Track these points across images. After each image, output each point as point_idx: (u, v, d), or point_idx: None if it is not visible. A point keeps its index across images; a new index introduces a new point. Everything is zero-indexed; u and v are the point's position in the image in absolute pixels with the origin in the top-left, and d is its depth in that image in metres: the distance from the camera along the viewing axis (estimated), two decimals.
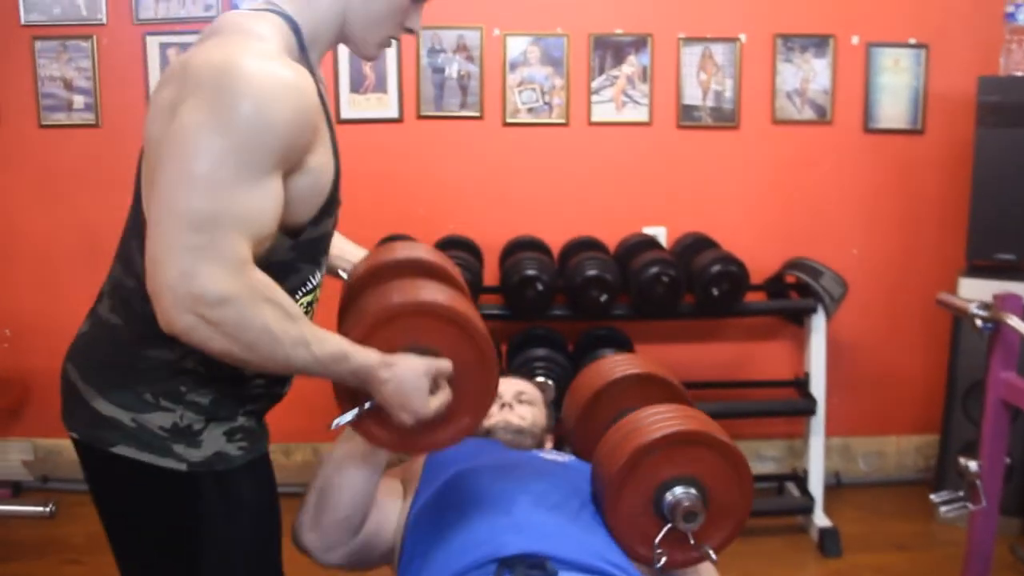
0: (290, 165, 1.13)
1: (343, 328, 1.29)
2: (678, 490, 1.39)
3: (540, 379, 2.71)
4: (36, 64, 3.04)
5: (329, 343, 1.15)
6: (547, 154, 3.14)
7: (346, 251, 1.56)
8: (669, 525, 1.39)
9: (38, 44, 3.03)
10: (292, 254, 1.19)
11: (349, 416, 1.25)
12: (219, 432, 1.22)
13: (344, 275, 1.53)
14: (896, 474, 3.39)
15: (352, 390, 1.24)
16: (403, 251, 1.43)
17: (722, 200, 3.20)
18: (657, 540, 1.39)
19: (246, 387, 1.26)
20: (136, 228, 1.20)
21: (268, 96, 1.07)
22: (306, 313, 1.30)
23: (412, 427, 1.24)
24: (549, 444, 1.87)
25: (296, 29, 1.20)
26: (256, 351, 1.08)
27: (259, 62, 1.08)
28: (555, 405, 2.74)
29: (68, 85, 3.06)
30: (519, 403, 1.83)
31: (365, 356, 1.19)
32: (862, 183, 3.23)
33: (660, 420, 1.42)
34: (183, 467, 1.19)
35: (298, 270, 1.23)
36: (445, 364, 1.24)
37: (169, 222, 1.04)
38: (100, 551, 2.81)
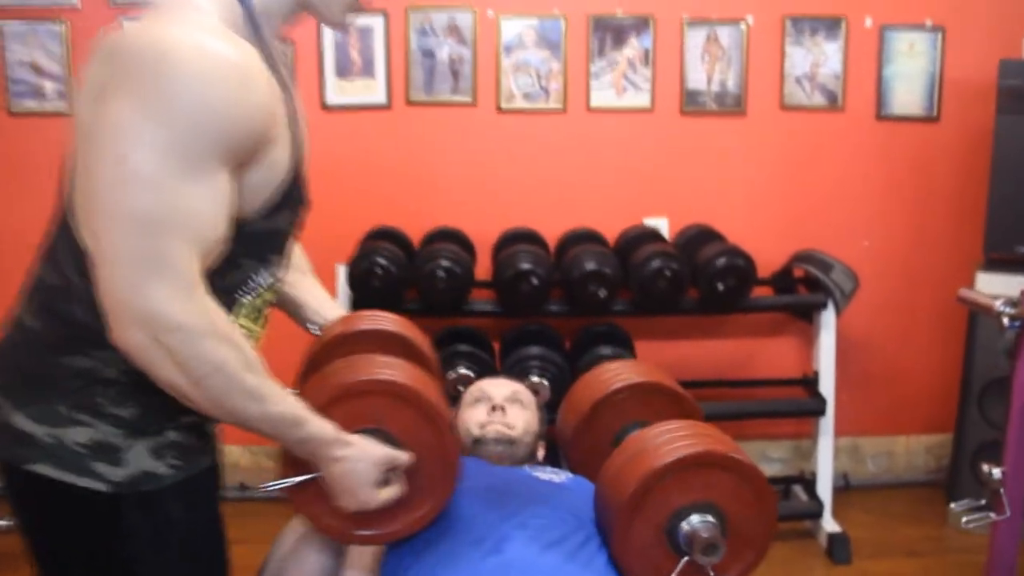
0: (241, 158, 1.01)
1: (302, 392, 1.22)
2: (695, 519, 1.25)
3: (535, 379, 2.59)
4: (4, 48, 2.90)
5: (285, 404, 1.09)
6: (543, 142, 3.03)
7: (324, 307, 1.50)
8: (686, 559, 1.25)
9: (6, 27, 2.89)
10: (232, 246, 1.06)
11: (286, 483, 1.18)
12: (144, 448, 1.10)
13: (315, 330, 1.48)
14: (906, 475, 3.27)
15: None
16: (377, 322, 1.42)
17: (727, 190, 3.09)
18: None
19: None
20: (63, 222, 1.08)
21: (207, 77, 0.94)
22: (251, 319, 1.18)
23: (357, 514, 1.19)
24: (541, 452, 1.74)
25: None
26: (205, 389, 1.01)
27: (196, 39, 0.96)
28: (550, 408, 2.63)
29: (38, 70, 2.92)
30: (511, 404, 1.69)
31: (321, 428, 1.13)
32: (874, 173, 3.11)
33: (671, 440, 1.29)
34: (104, 487, 1.08)
35: (238, 265, 1.11)
36: (403, 458, 1.20)
37: (112, 227, 0.96)
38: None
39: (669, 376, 1.60)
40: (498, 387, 1.74)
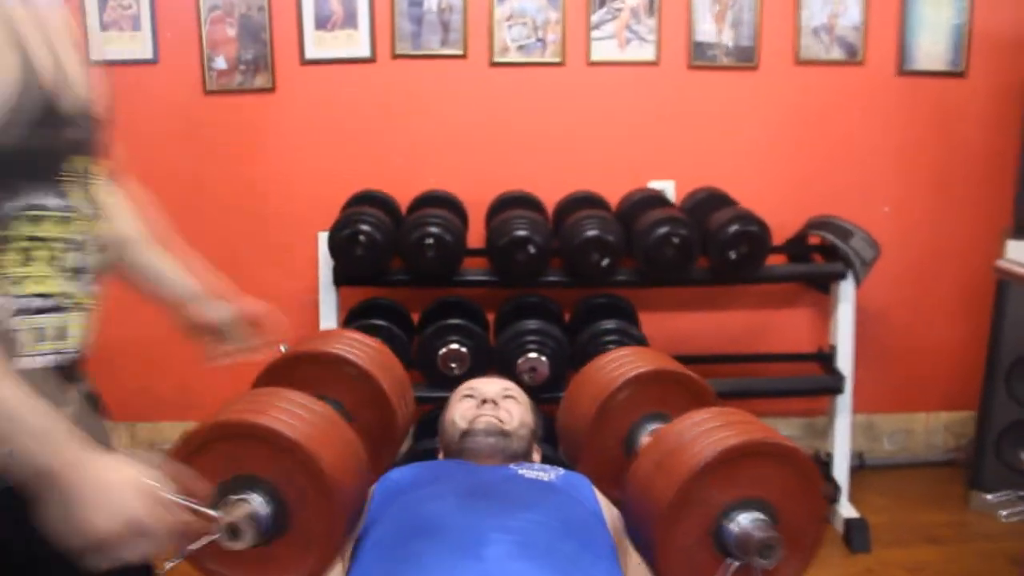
0: None
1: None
2: (743, 518, 1.08)
3: (531, 355, 2.40)
4: None
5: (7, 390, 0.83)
6: (540, 98, 2.84)
7: (177, 283, 1.32)
8: (736, 563, 1.08)
9: None
10: None
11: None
12: None
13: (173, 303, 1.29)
14: (924, 454, 3.11)
15: None
16: (343, 345, 1.30)
17: (738, 151, 2.90)
18: None
19: None
20: None
21: None
22: (63, 273, 1.00)
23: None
24: (538, 456, 1.55)
25: None
26: None
27: None
28: (548, 386, 2.45)
29: None
30: (503, 399, 1.50)
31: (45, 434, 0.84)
32: (896, 132, 2.92)
33: (707, 432, 1.11)
34: None
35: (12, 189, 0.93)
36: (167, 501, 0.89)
37: None
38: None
39: (668, 358, 1.41)
40: (489, 384, 1.57)
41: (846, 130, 2.90)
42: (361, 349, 1.30)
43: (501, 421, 1.44)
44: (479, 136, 2.85)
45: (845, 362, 2.64)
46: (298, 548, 1.06)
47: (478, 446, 1.39)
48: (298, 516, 1.06)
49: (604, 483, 1.33)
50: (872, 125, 2.90)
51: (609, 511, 1.30)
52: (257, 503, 1.03)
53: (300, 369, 1.29)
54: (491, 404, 1.47)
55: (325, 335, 1.31)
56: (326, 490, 1.05)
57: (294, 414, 1.09)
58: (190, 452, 1.05)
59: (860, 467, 2.96)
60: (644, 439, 1.27)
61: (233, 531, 0.99)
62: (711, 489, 1.08)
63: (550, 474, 1.32)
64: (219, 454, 1.05)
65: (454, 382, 2.46)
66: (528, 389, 2.43)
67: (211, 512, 0.98)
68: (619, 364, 1.36)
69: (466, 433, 1.42)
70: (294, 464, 1.04)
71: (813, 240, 2.76)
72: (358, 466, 1.13)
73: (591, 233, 2.43)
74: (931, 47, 2.86)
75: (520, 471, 1.32)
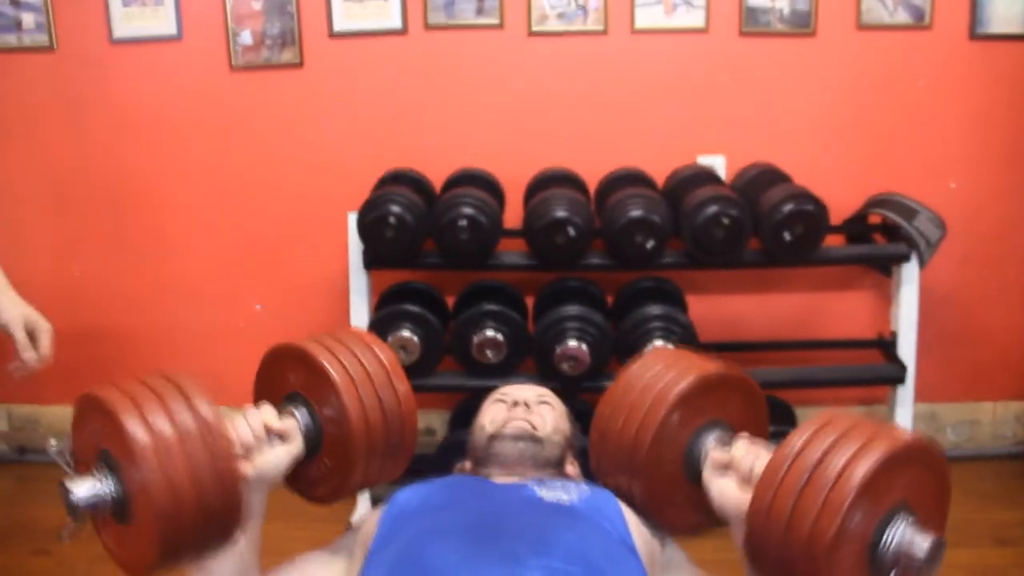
0: None
1: None
2: (901, 530, 0.97)
3: (572, 343, 2.28)
4: None
5: None
6: (581, 69, 2.70)
7: None
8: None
9: None
10: None
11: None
12: None
13: None
14: (991, 446, 2.93)
15: None
16: (317, 347, 1.20)
17: (793, 123, 2.74)
18: None
19: None
20: None
21: None
22: None
23: None
24: (572, 469, 1.42)
25: None
26: None
27: None
28: (588, 375, 2.32)
29: (15, 1, 2.66)
30: (537, 404, 1.38)
31: None
32: (966, 102, 2.72)
33: (843, 447, 0.97)
34: None
35: None
36: None
37: None
38: (75, 539, 2.54)
39: (697, 356, 1.26)
40: (523, 389, 1.45)
41: (911, 101, 2.71)
42: (355, 372, 1.17)
43: (533, 427, 1.32)
44: (516, 111, 2.72)
45: (907, 350, 2.48)
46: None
47: (506, 451, 1.26)
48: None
49: (660, 507, 1.19)
50: (940, 95, 2.71)
51: (640, 534, 1.16)
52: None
53: (291, 363, 1.21)
54: (523, 407, 1.35)
55: (338, 335, 1.20)
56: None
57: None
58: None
59: None
60: (715, 455, 1.13)
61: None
62: (867, 508, 0.97)
63: (573, 493, 1.19)
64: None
65: (489, 370, 2.38)
66: (568, 379, 2.35)
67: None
68: (656, 380, 1.19)
69: (494, 437, 1.30)
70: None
71: (874, 219, 2.60)
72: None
73: (635, 213, 2.30)
74: (1006, 9, 2.64)
75: (540, 492, 1.19)
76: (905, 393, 2.48)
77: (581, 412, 2.54)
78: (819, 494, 0.95)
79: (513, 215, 2.56)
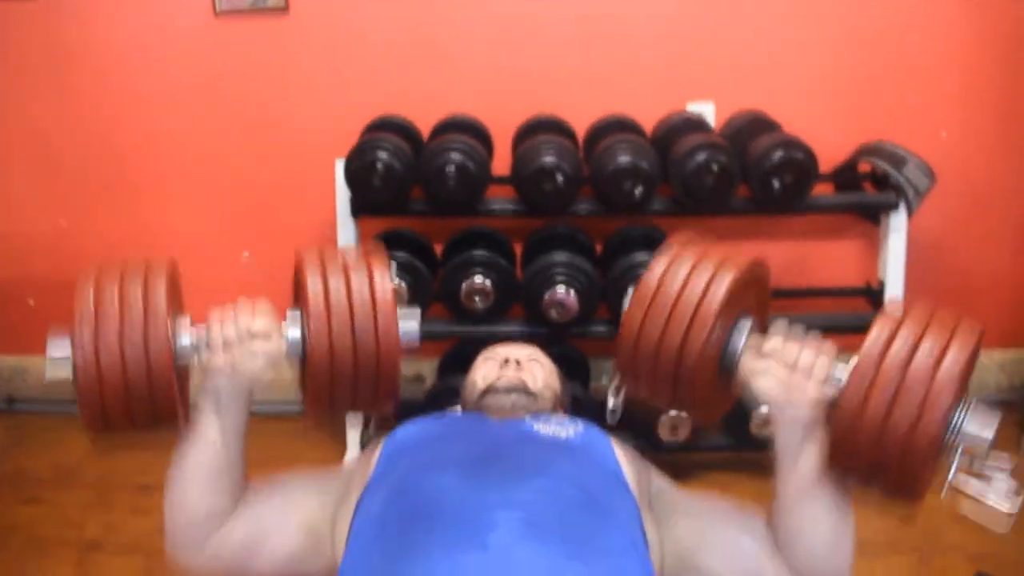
0: None
1: None
2: (969, 420, 1.03)
3: (560, 290, 2.29)
4: None
5: None
6: (571, 15, 2.64)
7: None
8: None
9: None
10: None
11: None
12: None
13: None
14: (976, 394, 2.91)
15: None
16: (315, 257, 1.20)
17: (784, 70, 2.70)
18: None
19: None
20: None
21: None
22: None
23: None
24: None
25: None
26: None
27: None
28: (577, 322, 2.33)
29: None
30: (529, 361, 1.39)
31: None
32: (958, 51, 2.68)
33: (929, 347, 1.01)
34: None
35: None
36: None
37: None
38: (64, 486, 2.54)
39: (712, 244, 1.21)
40: (513, 348, 1.45)
41: (903, 49, 2.68)
42: (336, 296, 1.13)
43: (525, 383, 1.33)
44: (505, 57, 2.68)
45: (894, 298, 2.49)
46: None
47: (499, 403, 1.28)
48: None
49: (692, 406, 1.21)
50: (932, 44, 2.67)
51: (631, 469, 1.18)
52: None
53: None
54: (514, 365, 1.36)
55: (345, 255, 1.19)
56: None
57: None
58: None
59: None
60: (757, 349, 1.10)
61: None
62: (955, 399, 1.02)
63: (568, 429, 1.20)
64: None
65: (478, 317, 2.38)
66: (556, 325, 2.35)
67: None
68: (694, 284, 1.11)
69: (487, 391, 1.31)
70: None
71: (864, 168, 2.58)
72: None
73: (624, 160, 2.28)
74: None
75: (536, 426, 1.20)
76: None
77: (570, 358, 2.57)
78: (917, 397, 0.98)
79: (502, 162, 2.53)
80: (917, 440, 0.97)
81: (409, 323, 1.13)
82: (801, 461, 1.05)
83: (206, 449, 1.13)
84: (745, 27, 2.66)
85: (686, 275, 1.09)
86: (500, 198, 2.44)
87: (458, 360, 2.56)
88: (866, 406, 0.98)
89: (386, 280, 1.13)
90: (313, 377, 1.09)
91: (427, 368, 2.86)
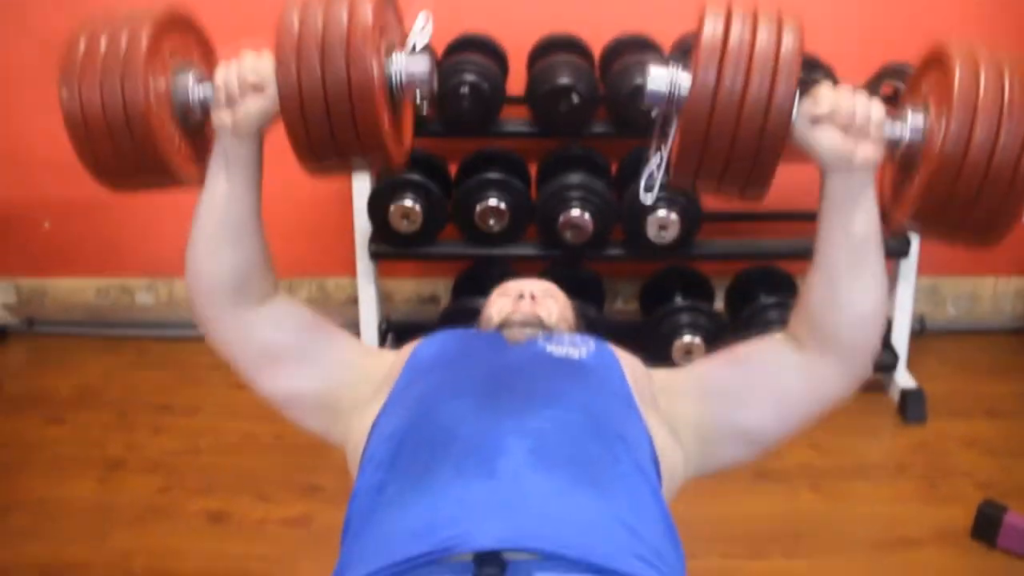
0: None
1: None
2: None
3: (575, 212, 2.27)
4: None
5: None
6: None
7: None
8: None
9: None
10: None
11: None
12: None
13: None
14: (991, 321, 2.94)
15: None
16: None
17: None
18: None
19: None
20: None
21: None
22: None
23: None
24: None
25: None
26: None
27: None
28: (589, 245, 2.31)
29: None
30: (543, 296, 1.38)
31: None
32: None
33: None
34: None
35: None
36: None
37: None
38: (85, 407, 2.58)
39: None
40: (529, 282, 1.42)
41: None
42: (309, 29, 1.02)
43: (540, 317, 1.33)
44: None
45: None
46: None
47: (514, 337, 1.26)
48: None
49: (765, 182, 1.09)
50: None
51: (635, 381, 1.17)
52: None
53: None
54: (529, 300, 1.34)
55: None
56: None
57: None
58: None
59: (920, 331, 2.80)
60: (814, 109, 1.02)
61: None
62: None
63: (581, 349, 1.19)
64: None
65: (492, 239, 2.37)
66: (570, 247, 2.34)
67: None
68: (762, 34, 1.00)
69: (503, 325, 1.30)
70: None
71: (885, 90, 2.51)
72: None
73: (640, 80, 2.23)
74: None
75: (549, 347, 1.19)
76: (908, 267, 2.47)
77: (585, 279, 2.56)
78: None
79: (516, 80, 2.48)
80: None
81: (415, 64, 1.06)
82: (853, 219, 1.05)
83: (214, 207, 1.12)
84: None
85: (752, 23, 0.99)
86: (515, 119, 2.41)
87: (472, 281, 2.57)
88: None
89: (367, 8, 1.00)
90: (284, 115, 1.02)
91: (442, 288, 2.87)
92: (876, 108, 1.02)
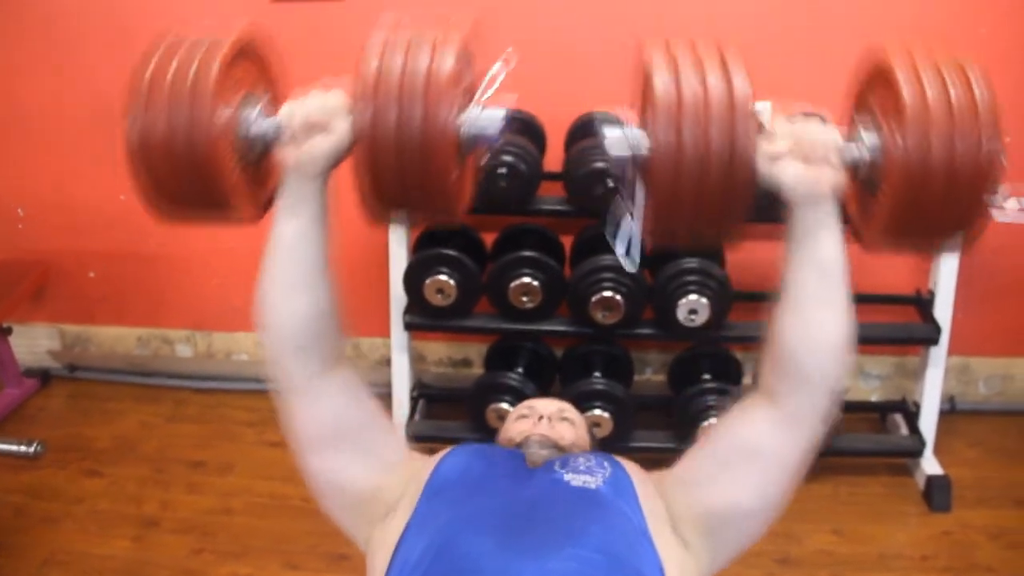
0: None
1: None
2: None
3: (607, 294, 2.30)
4: None
5: None
6: (626, 8, 2.57)
7: None
8: None
9: None
10: None
11: None
12: None
13: None
14: (1022, 403, 2.91)
15: None
16: None
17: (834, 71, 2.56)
18: None
19: None
20: None
21: None
22: None
23: None
24: None
25: None
26: None
27: None
28: (623, 325, 2.33)
29: None
30: (558, 421, 1.47)
31: None
32: None
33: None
34: None
35: None
36: None
37: None
38: (124, 460, 2.66)
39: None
40: (546, 404, 1.52)
41: None
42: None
43: (555, 440, 1.41)
44: (560, 43, 2.60)
45: (944, 309, 2.44)
46: None
47: (532, 458, 1.33)
48: None
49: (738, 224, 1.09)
50: None
51: (647, 498, 1.21)
52: None
53: None
54: (547, 422, 1.44)
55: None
56: None
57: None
58: None
59: (950, 410, 2.79)
60: (770, 146, 1.03)
61: None
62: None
63: (598, 477, 1.23)
64: None
65: (525, 315, 2.40)
66: (602, 328, 2.37)
67: None
68: (712, 80, 1.02)
69: (520, 446, 1.39)
70: None
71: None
72: None
73: None
74: None
75: (567, 476, 1.24)
76: (938, 354, 2.47)
77: (616, 356, 2.58)
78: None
79: (554, 156, 2.52)
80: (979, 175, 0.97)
81: (484, 118, 1.05)
82: (821, 245, 1.05)
83: (283, 247, 1.11)
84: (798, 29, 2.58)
85: (700, 72, 0.99)
86: (551, 196, 2.44)
87: (504, 354, 2.61)
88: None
89: (447, 59, 1.01)
90: (356, 155, 1.01)
91: (474, 352, 2.91)
92: (832, 134, 1.03)
